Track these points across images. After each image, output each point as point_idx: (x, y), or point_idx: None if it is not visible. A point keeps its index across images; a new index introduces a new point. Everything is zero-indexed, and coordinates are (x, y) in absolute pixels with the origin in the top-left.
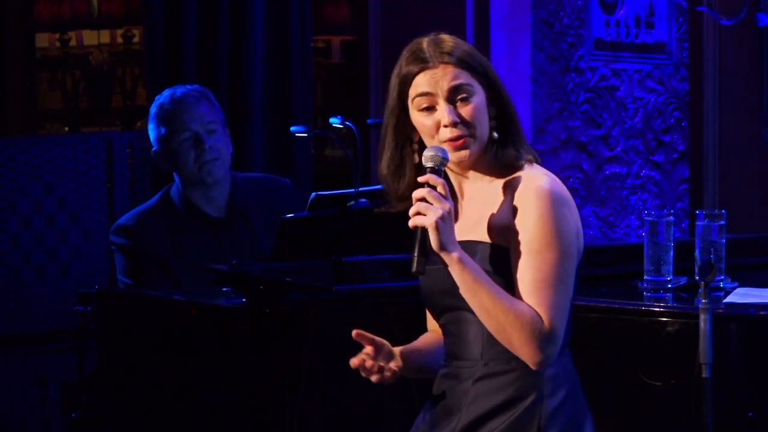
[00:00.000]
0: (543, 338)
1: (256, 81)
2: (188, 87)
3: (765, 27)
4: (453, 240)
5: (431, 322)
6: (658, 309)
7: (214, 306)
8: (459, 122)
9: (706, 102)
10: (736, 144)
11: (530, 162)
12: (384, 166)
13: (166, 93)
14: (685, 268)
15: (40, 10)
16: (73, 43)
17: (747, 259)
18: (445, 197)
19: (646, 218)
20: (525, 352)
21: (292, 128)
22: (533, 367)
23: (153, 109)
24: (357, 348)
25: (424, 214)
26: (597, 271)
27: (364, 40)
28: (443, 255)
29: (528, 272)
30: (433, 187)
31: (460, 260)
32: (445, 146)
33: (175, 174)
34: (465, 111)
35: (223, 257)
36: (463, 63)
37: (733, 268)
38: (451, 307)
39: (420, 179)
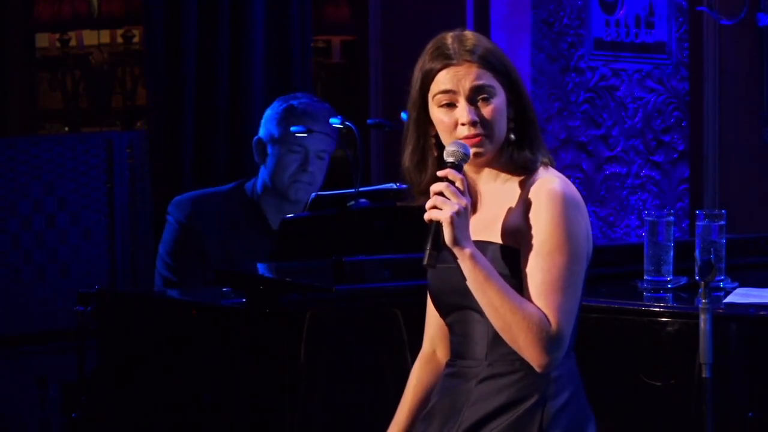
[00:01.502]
0: (549, 341)
1: (256, 81)
2: (325, 103)
3: (765, 27)
4: (467, 236)
5: (429, 329)
6: (658, 309)
7: (214, 306)
8: (478, 122)
9: (706, 102)
10: (736, 144)
11: (545, 165)
12: (406, 159)
13: (304, 98)
14: (685, 268)
15: (40, 10)
16: (73, 43)
17: (747, 259)
18: (462, 193)
19: (646, 218)
20: (530, 353)
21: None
22: (538, 370)
23: (282, 105)
24: (356, 348)
25: (441, 208)
26: (597, 271)
27: (364, 40)
28: (456, 250)
29: (537, 274)
30: (452, 183)
31: (473, 256)
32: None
33: (261, 170)
34: (485, 111)
35: None
36: (486, 62)
37: (733, 268)
38: (459, 306)
39: (439, 173)
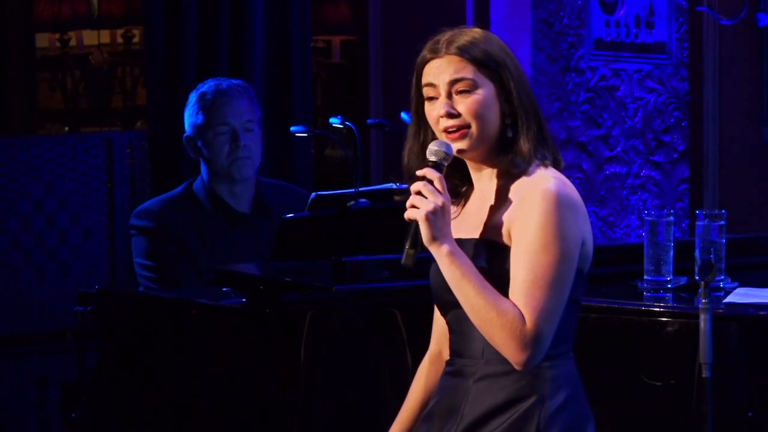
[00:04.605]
0: (524, 339)
1: (256, 81)
2: (233, 81)
3: (765, 27)
4: (444, 234)
5: (436, 329)
6: (658, 309)
7: (214, 306)
8: (455, 115)
9: (706, 102)
10: (736, 144)
11: (546, 164)
12: (406, 152)
13: (210, 82)
14: (685, 268)
15: (40, 10)
16: (73, 43)
17: (747, 259)
18: (440, 192)
19: (646, 218)
20: (506, 350)
21: (292, 128)
22: (517, 368)
23: (194, 96)
24: (356, 348)
25: (418, 207)
26: (597, 271)
27: (364, 40)
28: (433, 248)
29: (521, 272)
30: (431, 181)
31: (450, 254)
32: (443, 137)
33: (202, 164)
34: (463, 104)
35: (245, 251)
36: (469, 56)
37: (733, 268)
38: (456, 304)
39: (418, 173)
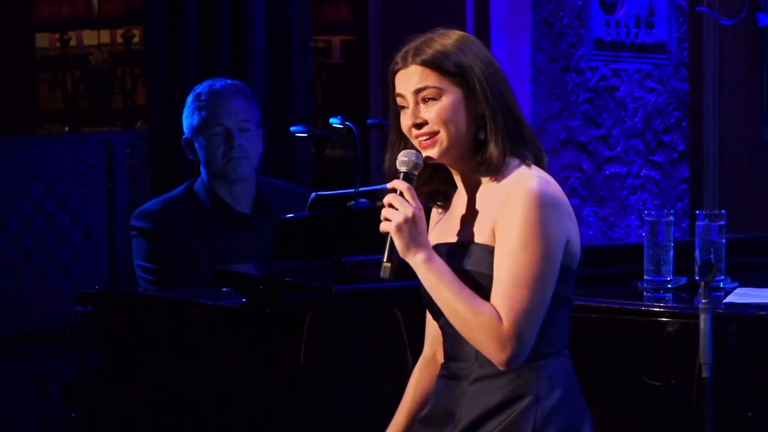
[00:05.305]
0: (502, 338)
1: (256, 81)
2: (228, 81)
3: (765, 27)
4: (418, 242)
5: (429, 332)
6: (658, 309)
7: (214, 306)
8: (423, 124)
9: (706, 102)
10: (736, 144)
11: (528, 163)
12: (387, 161)
13: (205, 83)
14: (685, 268)
15: (40, 10)
16: (73, 43)
17: (747, 259)
18: (410, 202)
19: (646, 218)
20: (487, 351)
21: (292, 128)
22: (500, 368)
23: (190, 97)
24: (356, 348)
25: (390, 220)
26: (597, 271)
27: (364, 40)
28: (408, 258)
29: (501, 272)
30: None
31: (425, 261)
32: (417, 144)
33: (201, 166)
34: (430, 112)
35: (245, 251)
36: (432, 64)
37: (733, 268)
38: None
39: (388, 185)
